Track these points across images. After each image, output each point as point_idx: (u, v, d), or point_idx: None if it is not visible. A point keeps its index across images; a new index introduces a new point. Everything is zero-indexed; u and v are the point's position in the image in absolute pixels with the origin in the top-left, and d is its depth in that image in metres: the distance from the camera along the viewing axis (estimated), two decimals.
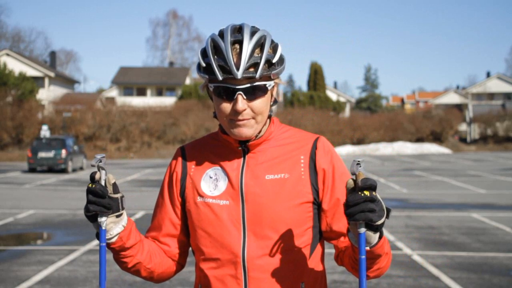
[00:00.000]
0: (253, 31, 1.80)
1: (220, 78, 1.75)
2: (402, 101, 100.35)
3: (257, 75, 1.74)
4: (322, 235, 1.91)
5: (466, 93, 72.80)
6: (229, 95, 1.77)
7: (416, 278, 7.15)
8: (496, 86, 71.16)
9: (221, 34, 1.80)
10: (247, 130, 1.81)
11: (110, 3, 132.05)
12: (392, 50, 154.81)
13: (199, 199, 1.87)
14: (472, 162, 32.45)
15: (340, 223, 1.86)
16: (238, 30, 1.80)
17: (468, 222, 11.59)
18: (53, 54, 61.74)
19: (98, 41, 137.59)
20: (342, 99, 65.38)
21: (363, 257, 1.64)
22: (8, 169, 27.23)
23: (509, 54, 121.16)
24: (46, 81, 51.62)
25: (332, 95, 63.85)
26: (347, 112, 62.16)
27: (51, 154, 25.02)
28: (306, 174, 1.85)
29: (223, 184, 1.86)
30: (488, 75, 73.38)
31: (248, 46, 1.75)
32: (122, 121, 40.69)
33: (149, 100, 52.99)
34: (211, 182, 1.88)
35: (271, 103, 1.88)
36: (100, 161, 1.70)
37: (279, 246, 1.81)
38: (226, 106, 1.79)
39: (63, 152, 25.06)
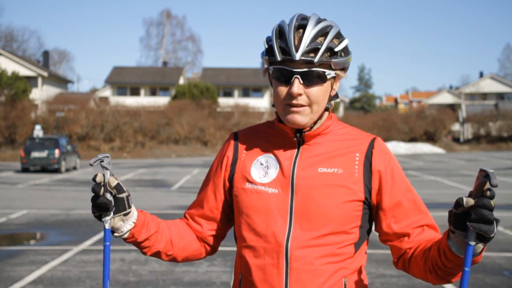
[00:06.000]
0: (320, 20, 1.80)
1: (279, 58, 1.75)
2: (396, 101, 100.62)
3: (316, 60, 1.73)
4: (368, 236, 1.89)
5: (459, 93, 73.06)
6: (287, 78, 1.76)
7: (409, 278, 7.16)
8: (489, 86, 71.44)
9: (290, 20, 1.81)
10: (301, 117, 1.78)
11: (104, 2, 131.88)
12: (385, 50, 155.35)
13: (247, 185, 1.85)
14: (465, 162, 32.58)
15: (400, 224, 1.83)
16: (305, 17, 1.80)
17: None
18: (46, 54, 61.52)
19: (92, 41, 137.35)
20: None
21: (467, 269, 1.55)
22: (1, 169, 27.12)
23: (502, 54, 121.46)
24: (39, 80, 51.44)
25: None
26: (340, 112, 62.28)
27: (44, 154, 24.93)
28: (360, 173, 1.81)
29: (273, 172, 1.84)
30: (481, 75, 73.64)
31: (311, 31, 1.75)
32: (115, 121, 40.61)
33: (143, 100, 52.91)
34: (262, 169, 1.85)
35: (331, 95, 1.85)
36: (102, 161, 1.70)
37: (323, 240, 1.77)
38: (283, 90, 1.77)
39: (56, 152, 24.98)
